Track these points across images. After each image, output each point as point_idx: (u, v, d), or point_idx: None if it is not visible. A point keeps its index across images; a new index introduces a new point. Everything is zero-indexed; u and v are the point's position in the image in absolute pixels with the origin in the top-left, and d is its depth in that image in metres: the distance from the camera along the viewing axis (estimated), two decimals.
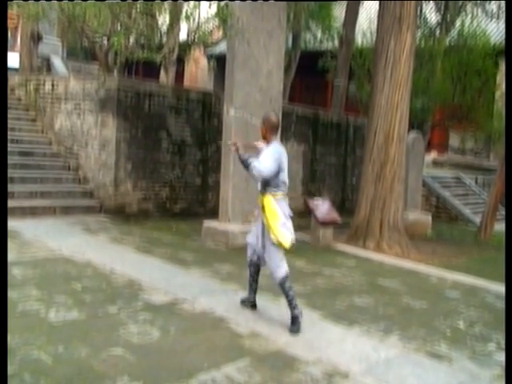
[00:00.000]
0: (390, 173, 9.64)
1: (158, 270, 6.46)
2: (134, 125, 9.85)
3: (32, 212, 8.82)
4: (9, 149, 8.83)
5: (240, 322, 4.83)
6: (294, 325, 4.78)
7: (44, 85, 11.25)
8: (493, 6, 17.32)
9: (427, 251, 9.92)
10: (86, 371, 3.64)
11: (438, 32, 16.29)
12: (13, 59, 15.25)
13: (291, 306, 4.82)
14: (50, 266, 6.14)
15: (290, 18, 14.56)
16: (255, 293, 5.20)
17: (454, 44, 16.19)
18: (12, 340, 3.93)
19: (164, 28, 11.21)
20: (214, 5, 10.40)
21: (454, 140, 20.34)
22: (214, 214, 9.30)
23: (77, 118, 10.41)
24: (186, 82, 24.29)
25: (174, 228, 9.37)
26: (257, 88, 8.77)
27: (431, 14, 17.34)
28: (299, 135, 12.74)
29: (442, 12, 16.31)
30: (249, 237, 5.14)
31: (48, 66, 17.21)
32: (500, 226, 12.49)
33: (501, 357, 4.50)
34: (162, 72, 12.24)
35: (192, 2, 10.29)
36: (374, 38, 10.69)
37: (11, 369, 3.51)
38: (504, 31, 15.57)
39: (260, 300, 5.19)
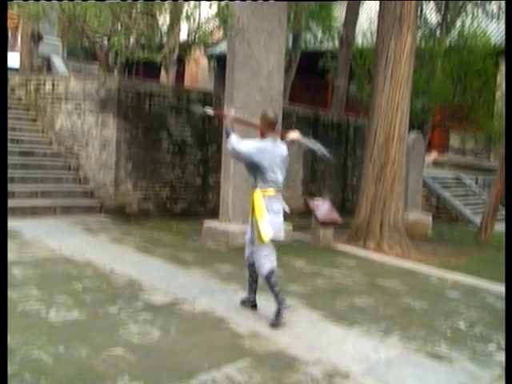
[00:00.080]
0: (390, 173, 9.64)
1: (158, 270, 6.46)
2: (134, 125, 9.86)
3: (32, 212, 8.82)
4: (9, 149, 8.84)
5: (240, 322, 4.83)
6: (277, 319, 4.83)
7: (44, 85, 11.26)
8: (493, 7, 17.32)
9: (427, 251, 9.92)
10: (87, 371, 3.64)
11: (438, 32, 16.30)
12: (13, 59, 15.26)
13: (277, 300, 4.86)
14: (51, 265, 6.14)
15: (291, 18, 14.56)
16: (255, 293, 5.20)
17: (454, 44, 16.19)
18: (12, 340, 3.93)
19: (164, 28, 11.23)
20: (215, 5, 10.41)
21: (454, 140, 20.34)
22: (214, 214, 9.31)
23: (77, 118, 10.41)
24: (187, 82, 24.29)
25: (175, 228, 9.37)
26: (257, 88, 8.77)
27: (431, 15, 17.35)
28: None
29: (443, 12, 16.32)
30: (247, 233, 5.19)
31: (48, 65, 17.19)
32: (500, 227, 12.48)
33: (501, 357, 4.49)
34: (163, 72, 12.27)
35: (192, 2, 10.30)
36: (375, 39, 10.70)
37: (12, 369, 3.51)
38: (504, 31, 15.56)
39: (260, 300, 5.19)
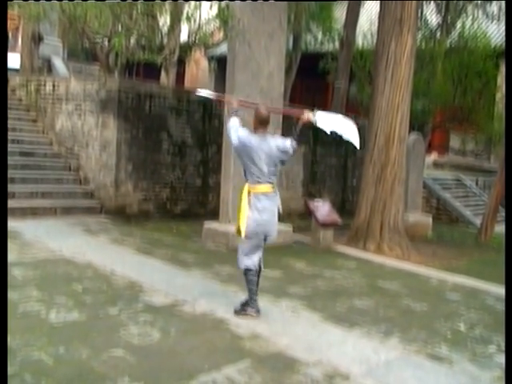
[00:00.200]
0: (390, 174, 9.64)
1: (158, 271, 6.46)
2: (134, 126, 9.86)
3: (33, 212, 8.83)
4: (9, 149, 8.83)
5: (240, 323, 4.83)
6: (239, 309, 5.01)
7: (45, 85, 11.26)
8: (493, 8, 17.32)
9: (428, 253, 9.91)
10: (87, 372, 3.64)
11: (438, 34, 16.31)
12: (14, 60, 15.28)
13: (248, 296, 5.01)
14: (51, 266, 6.14)
15: (291, 19, 14.57)
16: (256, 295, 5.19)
17: (454, 46, 16.21)
18: (13, 341, 3.93)
19: (165, 29, 11.23)
20: (215, 6, 10.41)
21: (454, 142, 20.35)
22: (214, 215, 9.31)
23: (77, 119, 10.42)
24: (187, 84, 24.30)
25: (175, 229, 9.37)
26: (257, 89, 8.77)
27: (432, 16, 17.34)
28: (300, 137, 12.70)
29: (443, 14, 16.33)
30: None
31: (49, 66, 17.17)
32: (500, 228, 12.47)
33: (501, 359, 4.49)
34: (163, 73, 12.27)
35: (193, 3, 10.30)
36: (375, 40, 10.70)
37: (12, 369, 3.51)
38: (504, 33, 15.58)
39: (260, 301, 5.19)
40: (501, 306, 6.15)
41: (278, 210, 5.11)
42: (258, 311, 5.06)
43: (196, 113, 10.74)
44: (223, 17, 9.77)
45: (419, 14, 12.97)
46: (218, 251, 7.98)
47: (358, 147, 5.23)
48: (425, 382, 4.07)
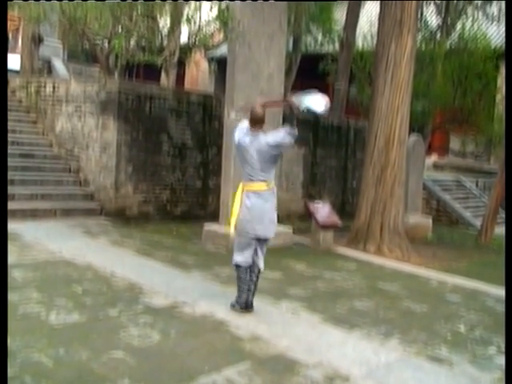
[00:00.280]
0: (390, 176, 9.64)
1: (158, 273, 6.46)
2: (134, 127, 9.86)
3: (32, 214, 8.82)
4: (9, 151, 8.84)
5: (240, 325, 4.83)
6: (234, 303, 5.14)
7: (45, 87, 11.27)
8: (493, 9, 17.34)
9: (428, 255, 9.91)
10: (87, 374, 3.64)
11: (438, 35, 16.31)
12: (14, 61, 15.29)
13: (238, 291, 5.13)
14: (51, 268, 6.14)
15: (291, 20, 14.55)
16: (253, 295, 5.18)
17: (454, 47, 16.20)
18: (13, 343, 3.93)
19: (165, 31, 11.23)
20: (215, 7, 10.41)
21: (454, 143, 20.35)
22: (214, 217, 9.31)
23: (77, 121, 10.42)
24: (187, 85, 24.30)
25: (175, 231, 9.36)
26: (258, 91, 8.76)
27: (432, 17, 17.35)
28: (300, 138, 12.62)
29: (443, 15, 16.32)
30: None
31: (49, 68, 17.21)
32: (500, 230, 12.48)
33: (501, 360, 4.49)
34: (163, 75, 12.26)
35: (193, 5, 10.31)
36: (375, 41, 10.70)
37: (12, 371, 3.50)
38: (504, 34, 15.59)
39: (260, 303, 5.19)
40: (501, 308, 6.15)
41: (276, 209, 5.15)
42: (245, 307, 5.12)
43: (196, 114, 10.74)
44: (223, 18, 9.78)
45: (419, 16, 12.96)
46: (217, 253, 7.98)
47: (320, 113, 5.14)
48: None
